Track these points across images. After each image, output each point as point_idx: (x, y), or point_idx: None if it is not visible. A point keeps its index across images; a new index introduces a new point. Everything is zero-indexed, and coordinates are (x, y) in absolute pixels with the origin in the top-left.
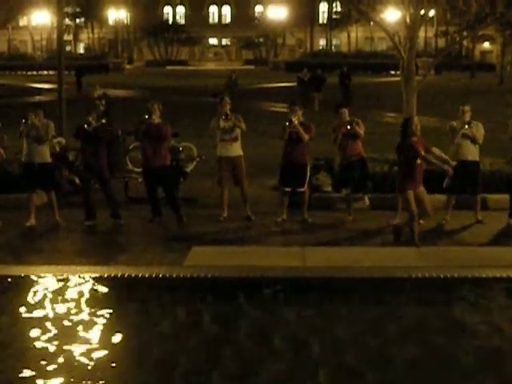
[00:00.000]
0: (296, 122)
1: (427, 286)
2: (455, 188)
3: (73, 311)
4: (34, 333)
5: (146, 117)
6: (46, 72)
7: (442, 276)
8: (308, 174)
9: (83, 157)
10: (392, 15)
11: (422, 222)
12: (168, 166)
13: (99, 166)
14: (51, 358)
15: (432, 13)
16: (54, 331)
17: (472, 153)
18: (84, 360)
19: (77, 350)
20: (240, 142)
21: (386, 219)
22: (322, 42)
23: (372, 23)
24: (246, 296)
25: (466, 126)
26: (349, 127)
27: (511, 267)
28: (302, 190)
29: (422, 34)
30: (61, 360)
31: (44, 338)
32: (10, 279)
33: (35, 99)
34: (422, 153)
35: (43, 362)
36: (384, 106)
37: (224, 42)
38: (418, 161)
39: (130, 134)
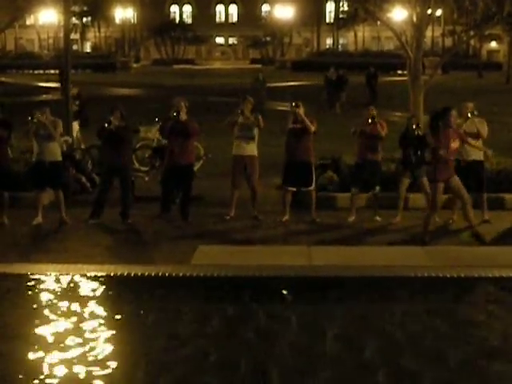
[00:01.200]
0: (300, 111)
1: (434, 285)
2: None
3: (79, 310)
4: (41, 330)
5: (175, 114)
6: (52, 71)
7: (448, 275)
8: (314, 172)
9: (106, 157)
10: (399, 14)
11: (437, 219)
12: (192, 165)
13: (123, 164)
14: (56, 357)
15: (439, 12)
16: (61, 329)
17: (476, 152)
18: (90, 358)
19: (83, 348)
20: (255, 141)
21: (388, 218)
22: (329, 42)
23: (379, 22)
24: (253, 295)
25: (469, 115)
26: (370, 120)
27: None
28: (310, 188)
29: (429, 33)
30: (66, 359)
31: (51, 335)
32: (16, 277)
33: (42, 98)
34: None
35: (49, 361)
36: (391, 105)
37: (231, 41)
38: (442, 152)
39: (137, 133)
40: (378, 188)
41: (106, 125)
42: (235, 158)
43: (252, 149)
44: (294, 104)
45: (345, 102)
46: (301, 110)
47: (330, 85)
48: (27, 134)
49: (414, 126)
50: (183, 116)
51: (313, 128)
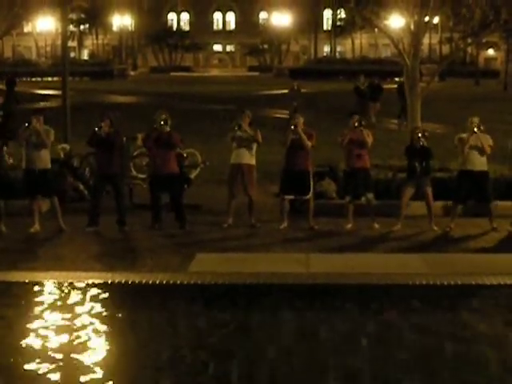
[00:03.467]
0: (299, 129)
1: (432, 292)
2: (461, 197)
3: (76, 317)
4: (37, 338)
5: (162, 123)
6: (50, 78)
7: (445, 283)
8: (311, 181)
9: (97, 164)
10: (396, 22)
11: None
12: (177, 174)
13: (114, 172)
14: (53, 364)
15: (436, 19)
16: (57, 337)
17: (480, 163)
18: (87, 366)
19: (79, 356)
20: (253, 151)
21: (387, 226)
22: (327, 49)
23: (376, 30)
24: (250, 302)
25: (475, 130)
26: (356, 124)
27: None
28: (306, 197)
29: (426, 40)
30: (64, 366)
31: (47, 343)
32: (13, 285)
33: (39, 105)
34: None
35: (46, 368)
36: (388, 112)
37: (228, 48)
38: None
39: (135, 140)
40: (371, 195)
41: (96, 129)
42: (233, 166)
43: (249, 157)
44: (292, 127)
45: (378, 112)
46: (300, 123)
47: (361, 94)
48: (19, 141)
49: (418, 136)
50: (166, 128)
51: (310, 144)
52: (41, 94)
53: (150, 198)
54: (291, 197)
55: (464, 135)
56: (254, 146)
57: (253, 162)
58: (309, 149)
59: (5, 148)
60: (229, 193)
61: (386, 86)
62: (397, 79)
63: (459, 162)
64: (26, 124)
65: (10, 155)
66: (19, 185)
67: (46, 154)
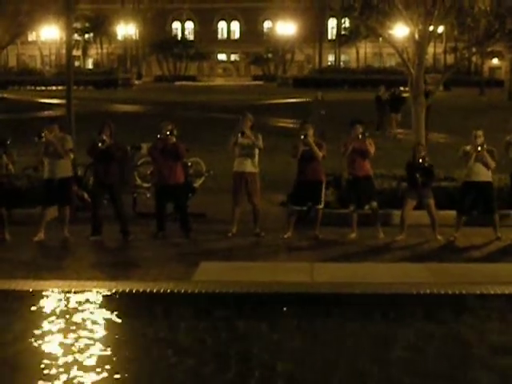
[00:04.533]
0: (310, 139)
1: (436, 302)
2: (465, 208)
3: (80, 326)
4: (42, 347)
5: (168, 133)
6: (54, 87)
7: (450, 292)
8: (324, 190)
9: (95, 173)
10: (401, 31)
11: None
12: (183, 184)
13: (111, 182)
14: (58, 374)
15: (441, 29)
16: (61, 346)
17: (485, 174)
18: (91, 374)
19: (84, 365)
20: (256, 159)
21: (391, 235)
22: (331, 58)
23: (381, 39)
24: (255, 311)
25: (479, 149)
26: (360, 136)
27: None
28: (319, 207)
29: (430, 50)
30: (67, 375)
31: (50, 352)
32: (18, 294)
33: (45, 114)
34: None
35: (50, 376)
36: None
37: (233, 57)
38: None
39: (139, 149)
40: (374, 203)
41: (100, 143)
42: (236, 174)
43: (252, 165)
44: (302, 137)
45: (399, 123)
46: (310, 134)
47: (382, 105)
48: (38, 155)
49: (420, 159)
50: (172, 138)
51: (321, 154)
52: (45, 103)
53: (154, 207)
54: (298, 208)
55: (468, 148)
56: (257, 153)
57: (256, 169)
58: (320, 159)
59: (4, 156)
60: (233, 201)
61: None
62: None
63: (464, 173)
64: (37, 138)
65: (12, 163)
66: (23, 193)
67: (65, 162)
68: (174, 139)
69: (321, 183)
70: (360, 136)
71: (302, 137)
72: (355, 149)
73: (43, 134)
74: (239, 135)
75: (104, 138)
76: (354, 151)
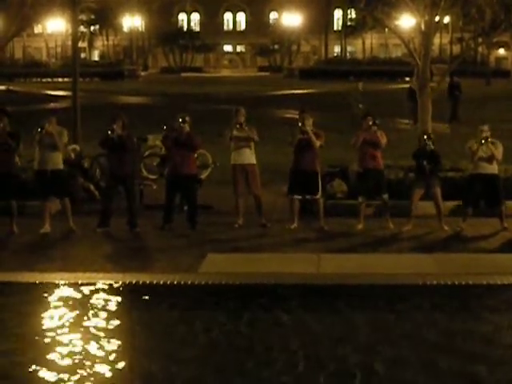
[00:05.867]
0: (308, 127)
1: (442, 292)
2: (472, 200)
3: (87, 318)
4: (48, 339)
5: (180, 120)
6: (60, 79)
7: (456, 283)
8: (320, 181)
9: (109, 164)
10: (407, 22)
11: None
12: (194, 175)
13: (125, 173)
14: (64, 366)
15: (447, 19)
16: (68, 337)
17: (491, 166)
18: (97, 367)
19: (91, 357)
20: (253, 150)
21: (398, 226)
22: (337, 49)
23: (387, 30)
24: (261, 303)
25: (483, 141)
26: (370, 123)
27: None
28: (316, 197)
29: (436, 40)
30: (74, 367)
31: (58, 344)
32: (24, 286)
33: (50, 106)
34: None
35: (56, 371)
36: (398, 112)
37: (239, 48)
38: None
39: (145, 141)
40: (385, 196)
41: (109, 133)
42: (234, 167)
43: (250, 157)
44: (300, 124)
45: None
46: (308, 123)
47: (414, 97)
48: (33, 143)
49: (425, 140)
50: (186, 128)
51: (318, 143)
52: (51, 95)
53: (164, 198)
54: (299, 197)
55: (474, 144)
56: (253, 144)
57: (254, 160)
58: (317, 148)
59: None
60: (234, 193)
61: (396, 87)
62: (455, 79)
63: (470, 167)
64: (39, 129)
65: (19, 156)
66: (31, 186)
67: (57, 155)
68: (188, 129)
69: (316, 173)
70: (370, 123)
71: (300, 124)
72: (366, 140)
73: (44, 125)
74: (237, 126)
75: (115, 128)
76: (365, 143)
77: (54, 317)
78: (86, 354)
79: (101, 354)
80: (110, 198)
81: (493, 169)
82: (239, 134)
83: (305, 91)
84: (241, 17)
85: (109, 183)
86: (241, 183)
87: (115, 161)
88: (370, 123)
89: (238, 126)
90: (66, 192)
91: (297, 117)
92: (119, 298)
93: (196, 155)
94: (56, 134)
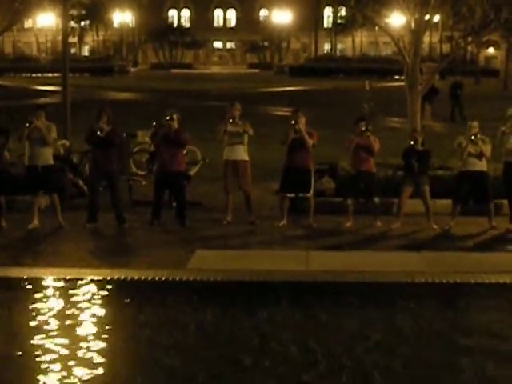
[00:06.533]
0: (301, 126)
1: (431, 290)
2: (461, 197)
3: (75, 314)
4: (36, 334)
5: (168, 118)
6: (50, 74)
7: (445, 281)
8: (312, 179)
9: (94, 160)
10: (397, 20)
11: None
12: (183, 172)
13: (110, 169)
14: (52, 361)
15: (437, 18)
16: (56, 333)
17: (480, 164)
18: (86, 361)
19: (78, 353)
20: (246, 147)
21: (387, 224)
22: (327, 47)
23: (377, 28)
24: (249, 300)
25: (473, 138)
26: (363, 129)
27: None
28: (308, 195)
29: (426, 39)
30: (62, 363)
31: (45, 339)
32: (12, 281)
33: (40, 101)
34: None
35: (44, 366)
36: (389, 111)
37: (229, 45)
38: None
39: (134, 137)
40: (377, 199)
41: (98, 131)
42: (226, 162)
43: (243, 153)
44: (293, 122)
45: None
46: (301, 122)
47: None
48: (20, 139)
49: (416, 143)
50: (175, 125)
51: (311, 142)
52: (41, 90)
53: (153, 194)
54: (292, 195)
55: (463, 140)
56: (246, 141)
57: (246, 157)
58: (310, 147)
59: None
60: (224, 189)
61: (386, 84)
62: (458, 79)
63: (459, 164)
64: (27, 123)
65: (8, 151)
66: (20, 181)
67: (48, 150)
68: (176, 126)
69: (309, 171)
70: (363, 129)
71: (293, 122)
72: (359, 145)
73: (32, 120)
74: (230, 121)
75: (102, 125)
76: (358, 147)
77: (42, 312)
78: (73, 350)
79: (86, 349)
80: (96, 193)
81: (482, 166)
82: (233, 128)
83: (294, 88)
84: (231, 13)
85: (93, 178)
86: (230, 180)
87: (100, 156)
88: (363, 128)
89: (231, 120)
90: (56, 188)
91: (287, 114)
92: (107, 294)
93: (185, 152)
94: (44, 129)
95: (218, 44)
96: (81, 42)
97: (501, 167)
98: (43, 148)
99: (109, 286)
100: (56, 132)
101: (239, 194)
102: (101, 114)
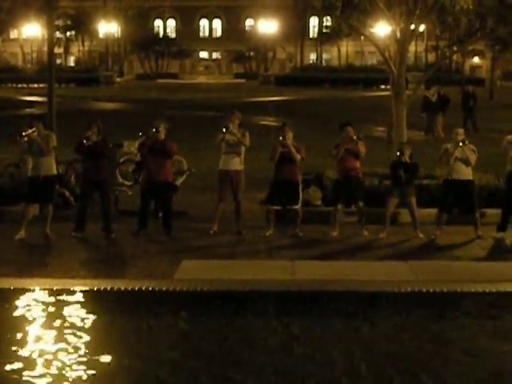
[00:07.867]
0: (288, 141)
1: (417, 300)
2: (446, 206)
3: (61, 324)
4: (21, 345)
5: (154, 130)
6: (36, 85)
7: (431, 290)
8: (300, 191)
9: (85, 170)
10: (382, 30)
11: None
12: (170, 182)
13: (101, 179)
14: (37, 370)
15: (422, 28)
16: (41, 344)
17: (466, 172)
18: (71, 371)
19: (64, 363)
20: (242, 156)
21: (374, 233)
22: (313, 56)
23: (362, 38)
24: (236, 309)
25: (460, 144)
26: (354, 137)
27: (501, 282)
28: (296, 207)
29: (412, 48)
30: (47, 373)
31: (30, 350)
32: None
33: (26, 112)
34: None
35: (29, 375)
36: (374, 120)
37: (215, 55)
38: None
39: (121, 147)
40: (361, 204)
41: (84, 140)
42: (221, 172)
43: (238, 163)
44: (280, 138)
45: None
46: (289, 137)
47: (430, 106)
48: (22, 153)
49: (405, 156)
50: (162, 135)
51: (299, 157)
52: (27, 101)
53: (139, 204)
54: (279, 207)
55: (449, 146)
56: (243, 151)
57: (241, 167)
58: (298, 161)
59: None
60: (217, 198)
61: (375, 94)
62: (470, 89)
63: (445, 172)
64: (19, 137)
65: None
66: (5, 191)
67: (48, 160)
68: (163, 136)
69: (297, 184)
70: (354, 138)
71: (281, 138)
72: (348, 150)
73: (24, 133)
74: (223, 130)
75: (90, 135)
76: (346, 153)
77: (28, 323)
78: (59, 360)
79: (72, 359)
80: (86, 204)
81: (467, 174)
82: (230, 137)
83: (280, 98)
84: (217, 24)
85: (84, 189)
86: (225, 189)
87: (91, 166)
88: (355, 137)
89: (224, 129)
90: (52, 197)
91: (273, 124)
92: (94, 304)
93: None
94: (40, 140)
95: (203, 54)
96: (66, 52)
97: (486, 177)
98: (43, 158)
99: (95, 297)
100: (55, 140)
101: (227, 204)
102: (91, 125)
